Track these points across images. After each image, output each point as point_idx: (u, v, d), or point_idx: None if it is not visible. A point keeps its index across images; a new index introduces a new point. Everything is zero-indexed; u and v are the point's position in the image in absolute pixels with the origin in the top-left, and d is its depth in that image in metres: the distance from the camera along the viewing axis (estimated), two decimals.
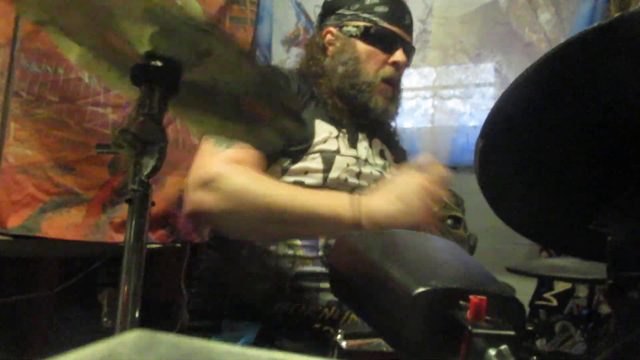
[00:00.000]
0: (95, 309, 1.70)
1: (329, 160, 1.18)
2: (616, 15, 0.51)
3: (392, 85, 1.31)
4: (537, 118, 0.61)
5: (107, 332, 0.32)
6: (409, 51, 1.32)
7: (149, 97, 0.67)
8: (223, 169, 1.04)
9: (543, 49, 2.07)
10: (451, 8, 2.26)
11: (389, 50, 1.28)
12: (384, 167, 1.30)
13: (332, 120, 1.25)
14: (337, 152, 1.21)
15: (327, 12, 1.35)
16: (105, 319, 1.65)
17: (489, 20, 2.20)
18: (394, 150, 1.40)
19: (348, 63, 1.27)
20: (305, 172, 1.16)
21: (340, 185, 1.19)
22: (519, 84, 0.56)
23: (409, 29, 1.33)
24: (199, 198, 1.03)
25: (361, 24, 1.28)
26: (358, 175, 1.22)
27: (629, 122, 0.60)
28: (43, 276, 1.73)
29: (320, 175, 1.17)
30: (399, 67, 1.30)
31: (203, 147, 1.11)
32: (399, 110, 1.37)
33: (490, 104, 0.54)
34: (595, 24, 0.51)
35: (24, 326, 1.69)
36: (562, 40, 0.53)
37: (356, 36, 1.28)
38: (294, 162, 1.17)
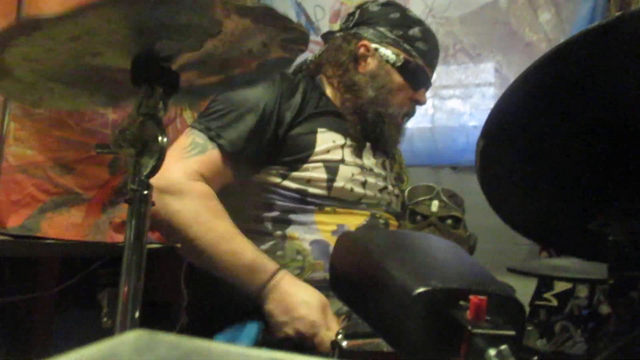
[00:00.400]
0: (95, 309, 1.70)
1: (333, 169, 1.17)
2: (616, 14, 0.51)
3: (406, 120, 1.32)
4: (538, 118, 0.61)
5: (107, 332, 0.32)
6: (427, 90, 1.34)
7: (148, 97, 0.67)
8: (183, 185, 1.05)
9: (543, 49, 2.07)
10: (451, 8, 2.26)
11: (415, 87, 1.28)
12: (385, 178, 1.30)
13: (340, 129, 1.23)
14: (342, 161, 1.19)
15: (366, 22, 1.30)
16: (105, 319, 1.65)
17: (489, 20, 2.20)
18: (393, 162, 1.40)
19: (381, 90, 1.25)
20: (308, 180, 1.16)
21: (346, 195, 1.18)
22: (519, 84, 0.56)
23: (434, 70, 1.34)
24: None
25: (402, 54, 1.25)
26: (364, 184, 1.22)
27: (629, 121, 0.60)
28: (43, 276, 1.73)
29: (324, 185, 1.16)
30: (418, 105, 1.31)
31: (176, 146, 1.11)
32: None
33: (490, 104, 0.54)
34: (595, 24, 0.51)
35: (24, 326, 1.68)
36: (562, 40, 0.53)
37: (393, 64, 1.25)
38: (293, 170, 1.16)
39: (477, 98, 2.23)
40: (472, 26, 2.23)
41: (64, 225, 1.54)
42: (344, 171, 1.18)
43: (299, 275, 1.11)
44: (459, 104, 2.26)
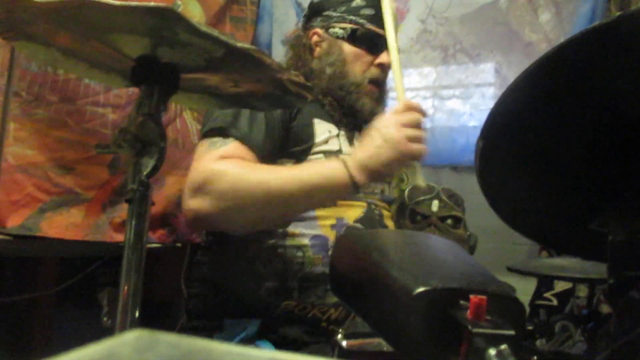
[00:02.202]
0: (95, 309, 1.70)
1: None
2: (616, 14, 0.51)
3: (379, 87, 1.32)
4: (537, 118, 0.61)
5: (107, 332, 0.32)
6: None
7: (148, 97, 0.67)
8: (214, 167, 1.04)
9: (543, 49, 2.07)
10: (451, 8, 2.26)
11: (374, 51, 1.29)
12: None
13: (330, 118, 1.26)
14: (340, 151, 1.22)
15: (313, 13, 1.36)
16: (105, 319, 1.65)
17: (489, 20, 2.20)
18: None
19: (335, 64, 1.28)
20: None
21: None
22: (519, 84, 0.56)
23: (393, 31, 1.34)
24: (196, 205, 1.03)
25: (348, 26, 1.29)
26: None
27: (628, 121, 0.60)
28: (43, 276, 1.73)
29: None
30: (384, 69, 1.30)
31: (198, 150, 1.12)
32: (386, 110, 1.39)
33: (490, 104, 0.54)
34: (595, 24, 0.51)
35: (24, 326, 1.68)
36: (562, 40, 0.53)
37: (343, 38, 1.28)
38: (297, 162, 1.17)
39: (477, 98, 2.23)
40: (472, 26, 2.22)
41: (64, 225, 1.53)
42: None
43: (298, 270, 1.11)
44: (458, 104, 2.25)
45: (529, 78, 0.55)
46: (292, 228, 1.14)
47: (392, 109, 1.10)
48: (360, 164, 1.03)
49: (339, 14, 1.30)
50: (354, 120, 1.29)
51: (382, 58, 1.28)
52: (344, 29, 1.29)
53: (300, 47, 1.34)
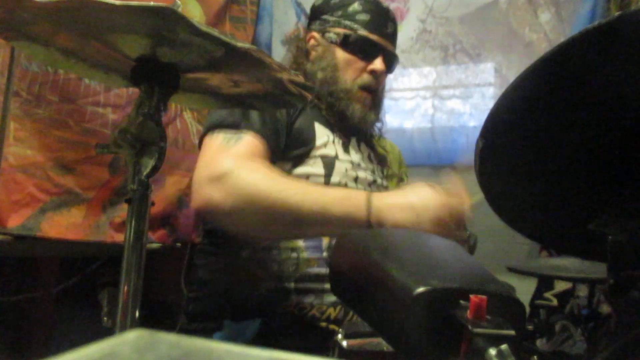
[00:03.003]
0: (95, 309, 1.70)
1: (329, 165, 1.19)
2: (616, 14, 0.51)
3: (371, 93, 1.30)
4: (537, 118, 0.61)
5: (107, 332, 0.32)
6: (391, 59, 1.32)
7: (148, 97, 0.67)
8: (234, 165, 1.01)
9: (543, 49, 2.07)
10: (451, 8, 2.26)
11: (368, 58, 1.28)
12: (373, 171, 1.32)
13: (327, 124, 1.26)
14: (336, 157, 1.22)
15: (313, 16, 1.36)
16: (105, 319, 1.65)
17: (489, 20, 2.20)
18: (376, 154, 1.41)
19: (326, 69, 1.28)
20: (307, 176, 1.17)
21: None
22: (519, 84, 0.56)
23: (391, 37, 1.33)
24: (208, 193, 1.00)
25: (341, 31, 1.29)
26: (355, 179, 1.23)
27: (628, 121, 0.60)
28: (43, 276, 1.73)
29: (322, 180, 1.17)
30: (377, 75, 1.29)
31: (211, 143, 1.10)
32: (380, 116, 1.38)
33: (490, 104, 0.54)
34: (595, 24, 0.51)
35: (24, 326, 1.69)
36: (562, 40, 0.53)
37: (336, 43, 1.28)
38: (295, 166, 1.17)
39: (477, 98, 2.23)
40: (472, 26, 2.22)
41: (64, 225, 1.53)
42: (339, 167, 1.20)
43: (294, 271, 1.11)
44: (458, 104, 2.25)
45: (529, 78, 0.55)
46: None
47: (450, 196, 1.01)
48: (383, 221, 0.96)
49: (335, 19, 1.30)
50: (345, 125, 1.29)
51: (375, 65, 1.28)
52: (337, 34, 1.29)
53: (297, 49, 1.35)
